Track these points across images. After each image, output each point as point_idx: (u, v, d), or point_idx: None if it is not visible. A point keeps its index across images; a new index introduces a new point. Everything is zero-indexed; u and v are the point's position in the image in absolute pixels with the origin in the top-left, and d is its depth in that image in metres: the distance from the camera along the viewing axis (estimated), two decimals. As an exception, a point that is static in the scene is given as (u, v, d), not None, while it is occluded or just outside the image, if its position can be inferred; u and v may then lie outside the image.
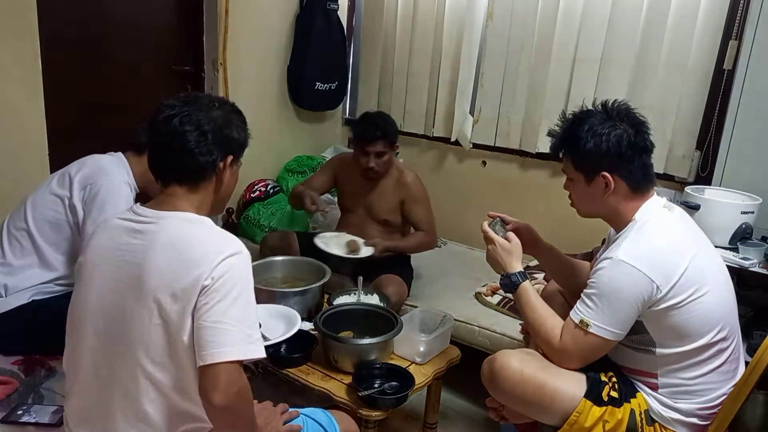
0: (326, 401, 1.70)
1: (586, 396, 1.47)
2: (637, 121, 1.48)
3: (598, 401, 1.47)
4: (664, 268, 1.39)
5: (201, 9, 2.96)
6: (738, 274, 2.09)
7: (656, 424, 1.47)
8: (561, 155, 1.56)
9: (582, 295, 1.47)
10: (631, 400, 1.49)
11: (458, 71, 3.22)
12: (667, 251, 1.42)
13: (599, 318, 1.41)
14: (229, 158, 1.27)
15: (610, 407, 1.47)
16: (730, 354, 1.47)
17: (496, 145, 3.22)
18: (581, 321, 1.43)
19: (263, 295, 2.05)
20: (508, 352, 1.56)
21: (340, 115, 3.81)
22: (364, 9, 3.63)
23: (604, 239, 2.76)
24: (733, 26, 2.46)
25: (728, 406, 1.39)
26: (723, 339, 1.44)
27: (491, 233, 1.72)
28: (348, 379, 1.76)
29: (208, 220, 1.23)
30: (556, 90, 2.95)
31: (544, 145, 3.03)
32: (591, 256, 2.67)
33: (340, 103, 3.66)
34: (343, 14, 3.53)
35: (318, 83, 3.39)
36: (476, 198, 3.37)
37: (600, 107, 1.51)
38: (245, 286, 1.15)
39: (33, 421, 1.47)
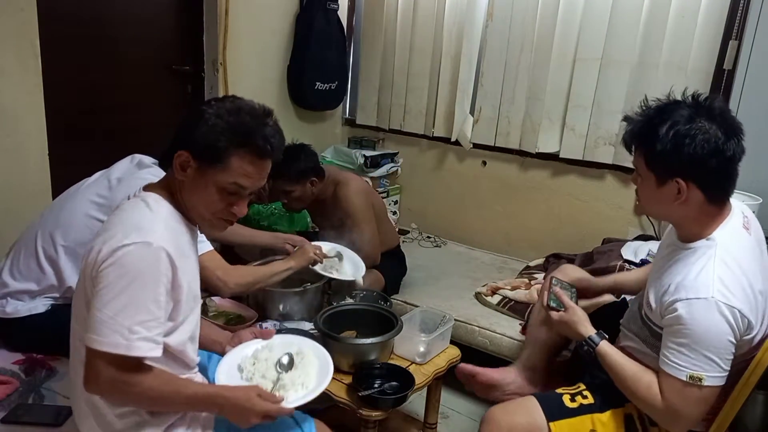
0: (326, 401, 1.70)
1: (549, 418, 1.44)
2: (729, 125, 1.29)
3: (565, 412, 1.44)
4: (757, 307, 1.30)
5: (201, 9, 2.95)
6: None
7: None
8: (632, 149, 1.39)
9: (671, 343, 1.31)
10: (627, 404, 1.47)
11: (458, 71, 3.22)
12: (754, 287, 1.30)
13: (710, 368, 1.27)
14: (183, 155, 1.19)
15: (591, 416, 1.45)
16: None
17: (496, 145, 3.23)
18: (691, 377, 1.28)
19: (264, 292, 2.06)
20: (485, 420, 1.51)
21: (340, 115, 3.81)
22: (364, 9, 3.63)
23: (605, 239, 2.79)
24: (733, 26, 2.46)
25: (728, 406, 1.39)
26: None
27: (566, 299, 1.58)
28: (348, 379, 1.76)
29: (153, 205, 1.20)
30: (556, 90, 2.95)
31: (544, 145, 3.04)
32: (590, 256, 2.67)
33: (340, 103, 3.66)
34: (343, 14, 3.53)
35: (318, 83, 3.38)
36: (476, 198, 3.38)
37: (690, 100, 1.32)
38: (135, 279, 1.09)
39: (33, 421, 1.47)
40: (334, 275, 2.16)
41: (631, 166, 1.47)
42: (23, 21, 2.22)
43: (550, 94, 2.97)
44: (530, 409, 1.46)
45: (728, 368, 1.29)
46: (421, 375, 1.82)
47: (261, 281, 1.91)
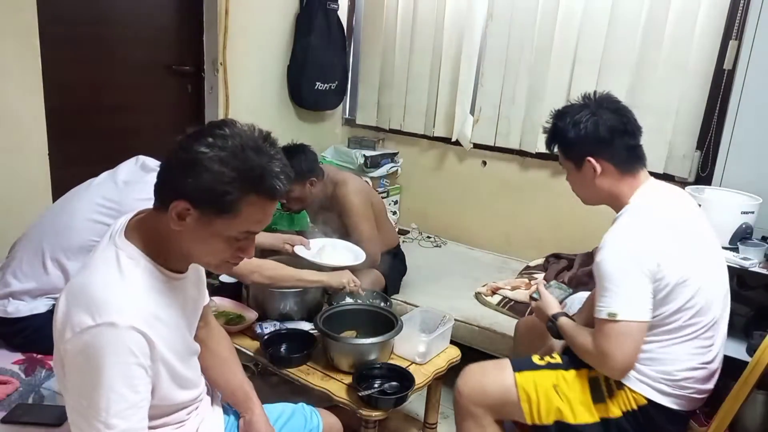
0: (326, 401, 1.70)
1: (516, 369, 1.57)
2: (615, 107, 1.55)
3: (532, 366, 1.58)
4: (660, 241, 1.44)
5: (201, 9, 2.96)
6: (738, 274, 2.09)
7: (626, 388, 1.49)
8: (554, 150, 1.65)
9: (596, 293, 1.48)
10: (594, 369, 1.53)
11: (458, 71, 3.22)
12: (662, 226, 1.47)
13: (624, 302, 1.41)
14: (182, 204, 1.01)
15: (556, 371, 1.55)
16: (704, 330, 1.48)
17: (496, 145, 3.23)
18: (608, 314, 1.41)
19: (264, 292, 2.06)
20: (458, 383, 1.64)
21: (340, 115, 3.81)
22: (364, 9, 3.63)
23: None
24: (733, 26, 2.46)
25: (728, 406, 1.39)
26: (696, 312, 1.46)
27: (542, 289, 1.75)
28: (348, 379, 1.76)
29: (125, 265, 1.04)
30: (556, 90, 2.95)
31: (544, 145, 3.02)
32: (591, 256, 2.67)
33: (340, 103, 3.66)
34: (343, 14, 3.54)
35: (318, 83, 3.39)
36: (476, 198, 3.38)
37: (579, 99, 1.60)
38: (103, 367, 0.97)
39: (33, 421, 1.47)
40: (334, 263, 2.16)
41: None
42: (23, 21, 2.22)
43: (550, 95, 2.97)
44: (502, 367, 1.62)
45: (647, 304, 1.41)
46: (421, 375, 1.82)
47: (284, 281, 1.96)
